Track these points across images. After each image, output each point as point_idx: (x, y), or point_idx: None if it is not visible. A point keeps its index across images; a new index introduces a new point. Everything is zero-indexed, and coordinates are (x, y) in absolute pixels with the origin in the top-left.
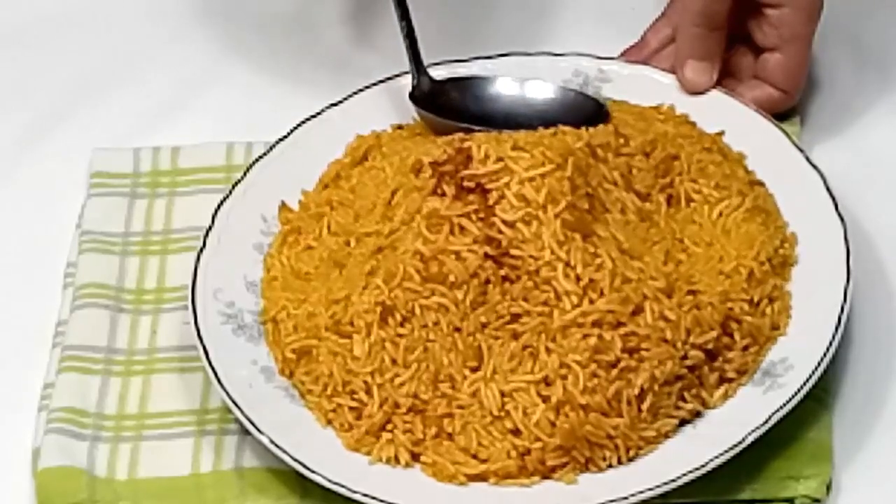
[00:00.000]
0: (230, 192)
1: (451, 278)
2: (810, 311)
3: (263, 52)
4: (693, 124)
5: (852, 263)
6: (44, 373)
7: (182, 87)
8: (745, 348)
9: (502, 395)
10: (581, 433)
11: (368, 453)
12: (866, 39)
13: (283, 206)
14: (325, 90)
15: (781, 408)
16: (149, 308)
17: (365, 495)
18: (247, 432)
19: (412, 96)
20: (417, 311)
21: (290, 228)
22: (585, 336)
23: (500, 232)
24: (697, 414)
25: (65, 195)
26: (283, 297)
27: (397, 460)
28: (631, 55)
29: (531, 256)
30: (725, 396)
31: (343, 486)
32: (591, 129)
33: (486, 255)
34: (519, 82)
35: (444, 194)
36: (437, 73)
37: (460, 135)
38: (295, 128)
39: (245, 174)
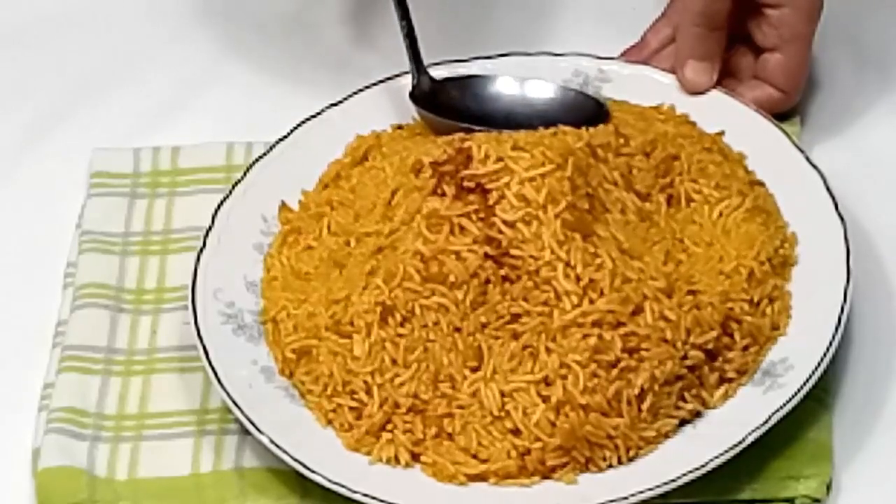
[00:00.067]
0: (230, 192)
1: (452, 278)
2: (810, 311)
3: (263, 52)
4: (693, 124)
5: (852, 263)
6: (44, 373)
7: (182, 87)
8: (745, 348)
9: (502, 395)
10: (581, 433)
11: (368, 453)
12: (866, 39)
13: (283, 206)
14: (325, 90)
15: (781, 408)
16: (149, 308)
17: (365, 495)
18: (247, 432)
19: (412, 96)
20: (417, 311)
21: (290, 228)
22: (585, 336)
23: (501, 232)
24: (697, 414)
25: (65, 195)
26: (283, 297)
27: (397, 460)
28: (631, 55)
29: (531, 256)
30: (725, 396)
31: (343, 486)
32: (592, 129)
33: (487, 255)
34: (519, 82)
35: (444, 194)
36: (438, 73)
37: (460, 135)
38: (295, 128)
39: (245, 174)
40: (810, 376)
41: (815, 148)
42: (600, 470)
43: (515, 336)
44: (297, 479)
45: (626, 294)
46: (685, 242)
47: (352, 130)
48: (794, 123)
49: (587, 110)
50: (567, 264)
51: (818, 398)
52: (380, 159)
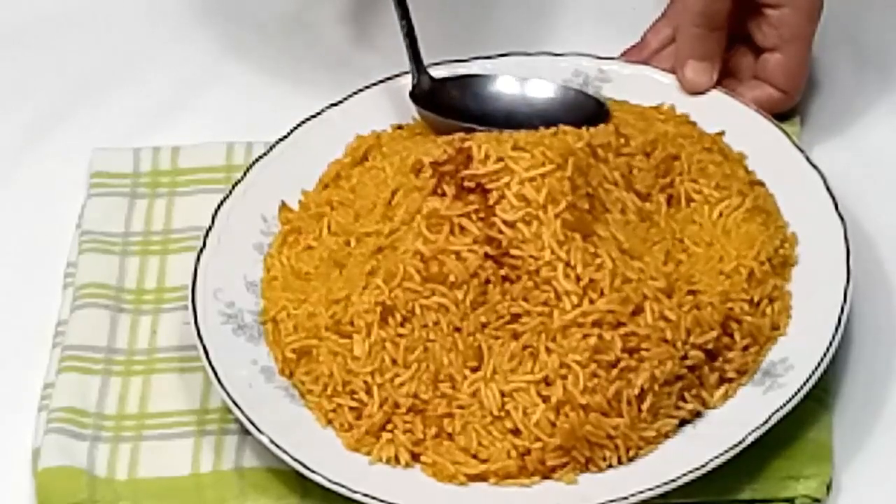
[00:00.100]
0: (230, 192)
1: (452, 278)
2: (810, 311)
3: (263, 52)
4: (693, 124)
5: (852, 263)
6: (44, 373)
7: (182, 87)
8: (746, 348)
9: (502, 395)
10: (581, 433)
11: (368, 453)
12: (866, 39)
13: (283, 206)
14: (325, 90)
15: (781, 408)
16: (149, 308)
17: (365, 495)
18: (247, 432)
19: (412, 95)
20: (417, 311)
21: (290, 228)
22: (585, 336)
23: (501, 232)
24: (697, 414)
25: (65, 195)
26: (283, 297)
27: (397, 460)
28: (631, 55)
29: (531, 256)
30: (725, 396)
31: (343, 486)
32: (592, 129)
33: (487, 255)
34: (519, 81)
35: (444, 194)
36: (438, 73)
37: (460, 134)
38: (295, 128)
39: (245, 174)
40: (810, 376)
41: (815, 148)
42: (600, 470)
43: (515, 336)
44: (297, 479)
45: (626, 294)
46: (685, 242)
47: (352, 130)
48: (794, 123)
49: (587, 110)
50: (567, 264)
51: (818, 398)
52: (380, 159)
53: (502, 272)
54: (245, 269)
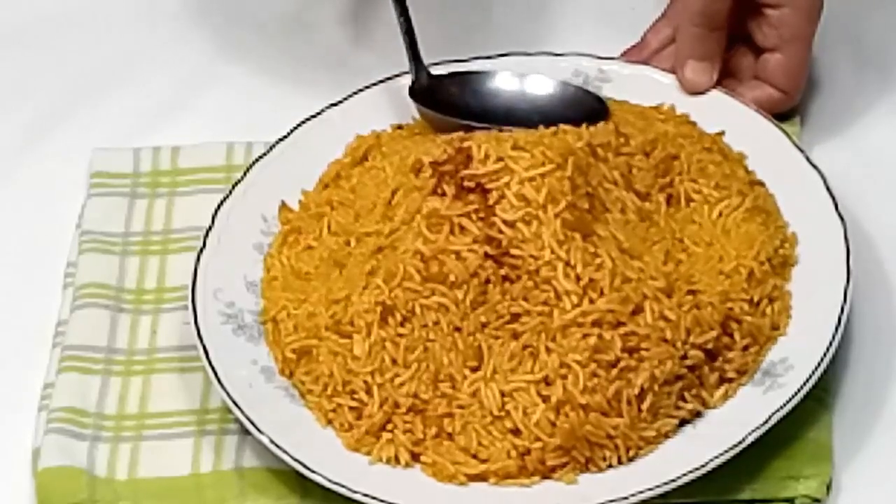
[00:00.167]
0: (230, 192)
1: (452, 278)
2: (810, 311)
3: (263, 52)
4: (693, 124)
5: (852, 263)
6: (44, 373)
7: (182, 87)
8: (745, 348)
9: (502, 394)
10: (581, 433)
11: (368, 453)
12: (866, 39)
13: (283, 206)
14: (325, 90)
15: (781, 408)
16: (149, 308)
17: (365, 495)
18: (247, 432)
19: (411, 92)
20: (418, 310)
21: (290, 228)
22: (585, 336)
23: (501, 231)
24: (697, 414)
25: (65, 195)
26: (283, 297)
27: (397, 460)
28: (631, 55)
29: (531, 256)
30: (725, 396)
31: (343, 486)
32: (592, 129)
33: (487, 255)
34: (519, 77)
35: (444, 194)
36: (437, 72)
37: (460, 134)
38: (295, 128)
39: (245, 174)
40: (810, 376)
41: (815, 148)
42: (600, 470)
43: (515, 336)
44: (297, 479)
45: (625, 294)
46: (685, 242)
47: (352, 130)
48: (794, 123)
49: (587, 106)
50: (567, 264)
51: (818, 398)
52: (380, 159)
53: (502, 272)
54: (245, 269)
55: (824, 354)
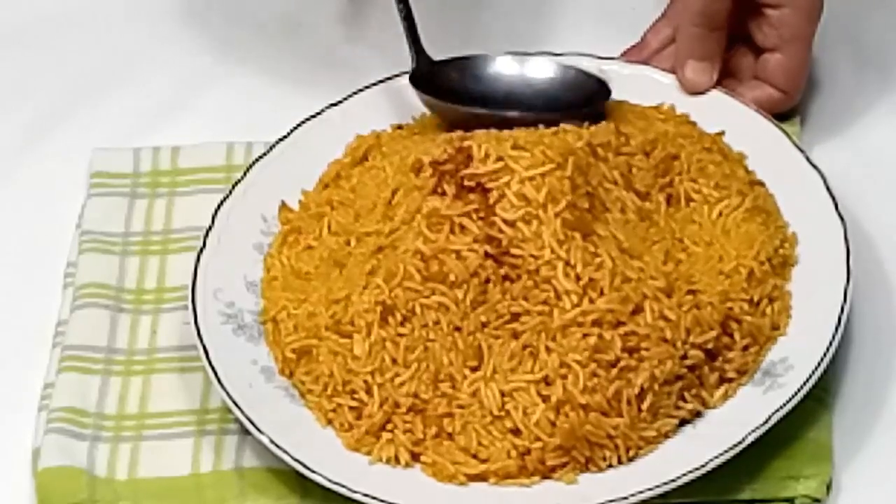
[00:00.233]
0: (230, 192)
1: (452, 277)
2: (810, 311)
3: (263, 52)
4: (693, 124)
5: (852, 263)
6: (44, 373)
7: (182, 87)
8: (745, 348)
9: (502, 394)
10: (581, 433)
11: (368, 453)
12: (866, 39)
13: (283, 206)
14: (325, 90)
15: (781, 408)
16: (149, 308)
17: (365, 495)
18: (247, 432)
19: (412, 79)
20: (418, 310)
21: (290, 228)
22: (585, 335)
23: (501, 231)
24: (697, 414)
25: (65, 195)
26: (283, 296)
27: (397, 460)
28: (631, 55)
29: (531, 255)
30: (725, 396)
31: (343, 486)
32: (592, 129)
33: (487, 255)
34: (519, 61)
35: (444, 193)
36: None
37: (460, 133)
38: (295, 128)
39: (245, 174)
40: (810, 376)
41: (815, 148)
42: (600, 470)
43: (515, 335)
44: (297, 479)
45: (625, 293)
46: (685, 242)
47: (352, 130)
48: (794, 123)
49: (588, 88)
50: (567, 263)
51: (818, 398)
52: (380, 159)
53: (502, 271)
54: (245, 269)
55: (824, 354)
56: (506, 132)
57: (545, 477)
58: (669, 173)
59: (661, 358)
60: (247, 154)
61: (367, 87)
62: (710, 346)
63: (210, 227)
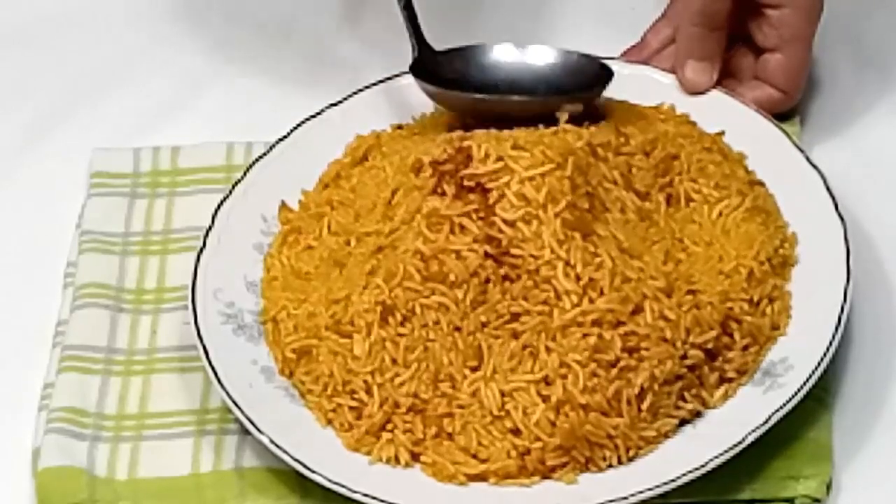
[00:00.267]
0: (230, 192)
1: (452, 277)
2: (810, 311)
3: (263, 53)
4: (693, 124)
5: (852, 263)
6: (44, 373)
7: (182, 87)
8: (745, 348)
9: (502, 394)
10: (581, 433)
11: (368, 453)
12: (866, 39)
13: (283, 206)
14: (325, 90)
15: (781, 408)
16: (149, 308)
17: (365, 495)
18: (247, 432)
19: (413, 69)
20: (418, 310)
21: (290, 228)
22: (585, 335)
23: (501, 231)
24: (697, 414)
25: (65, 195)
26: (283, 296)
27: (397, 460)
28: (631, 55)
29: (531, 255)
30: (725, 396)
31: (343, 486)
32: (592, 129)
33: (487, 255)
34: (520, 49)
35: (444, 193)
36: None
37: (460, 133)
38: (295, 128)
39: (245, 174)
40: (810, 376)
41: (815, 148)
42: (600, 470)
43: (515, 335)
44: (297, 479)
45: (625, 293)
46: (685, 242)
47: (352, 130)
48: (794, 123)
49: (590, 73)
50: (567, 263)
51: (818, 398)
52: (380, 159)
53: (502, 271)
54: (245, 269)
55: (824, 354)
56: (506, 132)
57: (545, 477)
58: (669, 173)
59: (661, 358)
60: (247, 154)
61: (367, 87)
62: (710, 346)
63: (210, 227)
